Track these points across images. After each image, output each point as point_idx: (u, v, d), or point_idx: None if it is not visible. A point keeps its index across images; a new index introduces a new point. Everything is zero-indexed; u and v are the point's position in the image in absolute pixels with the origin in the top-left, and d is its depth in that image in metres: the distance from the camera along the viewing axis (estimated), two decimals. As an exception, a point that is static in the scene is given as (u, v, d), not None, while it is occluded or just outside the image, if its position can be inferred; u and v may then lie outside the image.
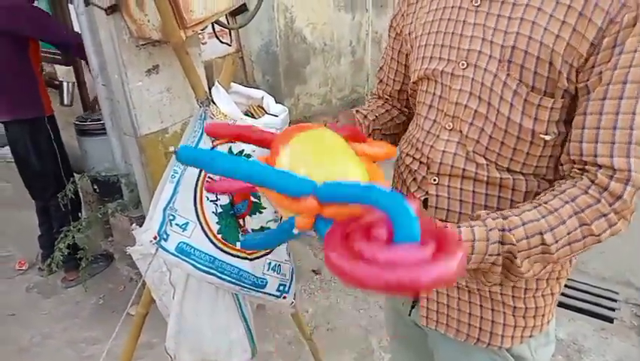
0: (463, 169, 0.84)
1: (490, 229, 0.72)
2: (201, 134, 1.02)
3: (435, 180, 0.87)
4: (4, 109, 2.53)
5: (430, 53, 0.87)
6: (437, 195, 0.88)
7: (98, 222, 2.67)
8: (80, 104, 3.15)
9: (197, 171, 1.03)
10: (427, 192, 0.89)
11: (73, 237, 2.47)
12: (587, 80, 0.74)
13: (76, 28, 2.62)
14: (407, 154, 0.95)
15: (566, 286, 2.63)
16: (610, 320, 2.40)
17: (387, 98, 1.09)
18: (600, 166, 0.73)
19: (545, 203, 0.74)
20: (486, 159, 0.83)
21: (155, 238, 0.99)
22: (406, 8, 0.97)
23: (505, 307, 0.90)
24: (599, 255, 2.75)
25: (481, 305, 0.91)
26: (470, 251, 0.72)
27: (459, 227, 0.73)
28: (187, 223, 1.03)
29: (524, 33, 0.75)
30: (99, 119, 2.64)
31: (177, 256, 1.02)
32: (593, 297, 2.55)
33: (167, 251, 1.01)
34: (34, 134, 2.56)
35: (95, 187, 2.73)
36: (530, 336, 0.93)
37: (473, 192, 0.85)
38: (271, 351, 2.28)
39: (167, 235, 1.02)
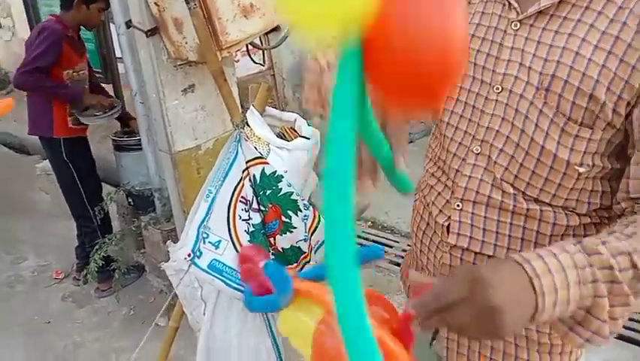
0: (489, 197, 0.82)
1: (574, 253, 0.64)
2: (236, 154, 1.06)
3: (459, 205, 0.85)
4: (29, 124, 2.70)
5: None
6: (460, 222, 0.85)
7: (131, 235, 2.75)
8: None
9: (231, 190, 1.06)
10: (449, 217, 0.87)
11: (107, 249, 2.55)
12: None
13: (117, 49, 2.74)
14: (432, 174, 0.93)
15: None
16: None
17: None
18: None
19: (618, 231, 0.67)
20: (514, 187, 0.80)
21: (189, 255, 1.02)
22: None
23: (529, 343, 0.86)
24: None
25: (504, 340, 0.88)
26: (564, 283, 0.62)
27: (528, 262, 0.63)
28: (220, 241, 1.06)
29: (566, 62, 0.73)
30: (135, 135, 2.73)
31: (209, 273, 1.05)
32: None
33: (199, 268, 1.04)
34: (51, 153, 2.69)
35: (130, 200, 2.81)
36: None
37: (498, 220, 0.82)
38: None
39: (201, 253, 1.05)
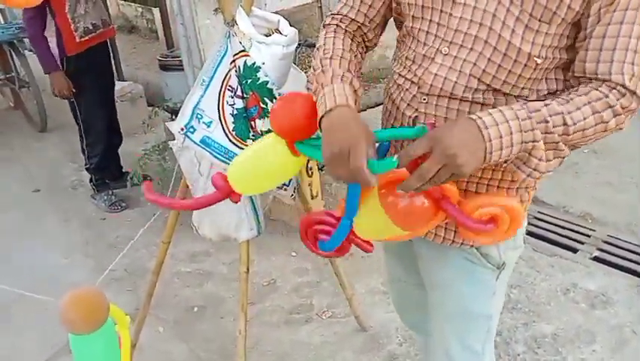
0: (451, 92, 0.94)
1: (518, 110, 0.83)
2: (226, 49, 1.25)
3: (425, 99, 0.97)
4: None
5: None
6: (426, 113, 0.98)
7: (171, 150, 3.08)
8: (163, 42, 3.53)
9: (221, 79, 1.27)
10: (416, 110, 0.99)
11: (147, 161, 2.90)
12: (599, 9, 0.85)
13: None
14: (399, 74, 1.04)
15: (608, 243, 2.60)
16: (646, 278, 2.36)
17: (347, 30, 1.08)
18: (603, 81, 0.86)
19: (560, 97, 0.86)
20: (480, 81, 0.92)
21: (182, 129, 1.25)
22: None
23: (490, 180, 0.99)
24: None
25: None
26: (508, 131, 0.82)
27: (480, 118, 0.82)
28: (211, 122, 1.28)
29: None
30: (178, 56, 2.98)
31: (200, 146, 1.28)
32: (634, 255, 2.50)
33: (193, 141, 1.28)
34: None
35: (173, 117, 3.11)
36: None
37: (457, 110, 0.96)
38: (307, 268, 2.56)
39: (194, 129, 1.28)
